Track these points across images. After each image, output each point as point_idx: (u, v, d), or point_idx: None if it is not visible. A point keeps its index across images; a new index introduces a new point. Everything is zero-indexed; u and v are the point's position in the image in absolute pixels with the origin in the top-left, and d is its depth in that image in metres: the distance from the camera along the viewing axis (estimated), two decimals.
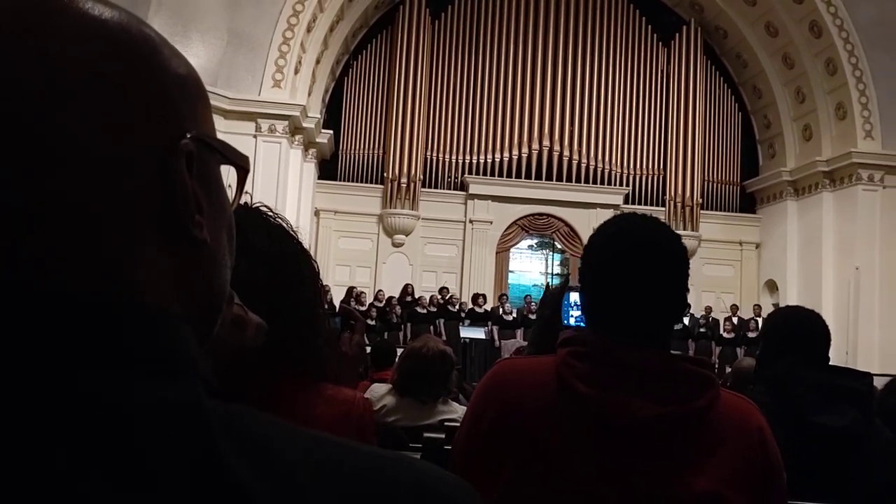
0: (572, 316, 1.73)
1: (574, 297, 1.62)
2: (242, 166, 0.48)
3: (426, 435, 2.80)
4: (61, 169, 0.37)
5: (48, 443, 0.32)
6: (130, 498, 0.32)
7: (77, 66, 0.38)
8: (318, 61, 13.42)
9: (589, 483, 1.07)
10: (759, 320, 13.16)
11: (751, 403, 1.22)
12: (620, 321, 1.17)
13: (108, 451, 0.33)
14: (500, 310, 13.06)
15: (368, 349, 4.12)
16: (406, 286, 13.59)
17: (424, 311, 12.79)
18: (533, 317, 12.38)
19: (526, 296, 13.93)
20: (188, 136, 0.42)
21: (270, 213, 1.14)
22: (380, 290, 13.59)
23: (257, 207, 1.12)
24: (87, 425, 0.33)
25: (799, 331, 2.03)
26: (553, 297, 1.56)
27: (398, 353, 4.04)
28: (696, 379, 1.13)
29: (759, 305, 14.17)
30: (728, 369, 8.64)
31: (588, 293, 1.23)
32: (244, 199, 0.67)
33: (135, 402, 0.35)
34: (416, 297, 13.19)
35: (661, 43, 16.45)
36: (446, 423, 2.94)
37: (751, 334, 12.90)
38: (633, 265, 1.17)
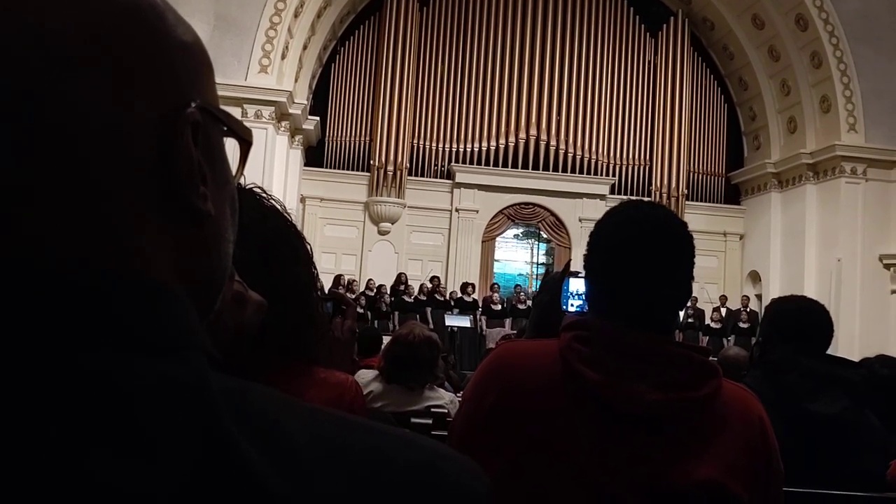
0: (572, 304, 1.71)
1: (574, 284, 1.61)
2: (246, 139, 0.47)
3: (413, 420, 2.81)
4: (59, 139, 0.36)
5: (47, 420, 0.31)
6: (133, 472, 0.32)
7: (78, 32, 0.37)
8: (305, 47, 13.32)
9: (590, 467, 1.07)
10: (748, 311, 13.31)
11: (751, 393, 1.22)
12: (628, 307, 1.16)
13: (109, 428, 0.32)
14: (491, 299, 13.06)
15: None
16: (400, 275, 13.59)
17: (412, 299, 12.78)
18: (522, 307, 12.40)
19: (515, 285, 13.95)
20: (193, 105, 0.41)
21: (264, 195, 1.13)
22: (370, 279, 13.57)
23: (251, 189, 1.11)
24: (86, 403, 0.32)
25: (804, 320, 2.05)
26: (554, 283, 1.55)
27: (384, 341, 4.04)
28: (700, 367, 1.14)
29: (746, 296, 14.30)
30: (711, 358, 8.71)
31: (595, 279, 1.22)
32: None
33: (135, 379, 0.34)
34: (406, 285, 13.18)
35: (648, 34, 16.47)
36: (433, 410, 2.95)
37: (742, 325, 13.00)
38: (644, 251, 1.17)
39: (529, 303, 11.70)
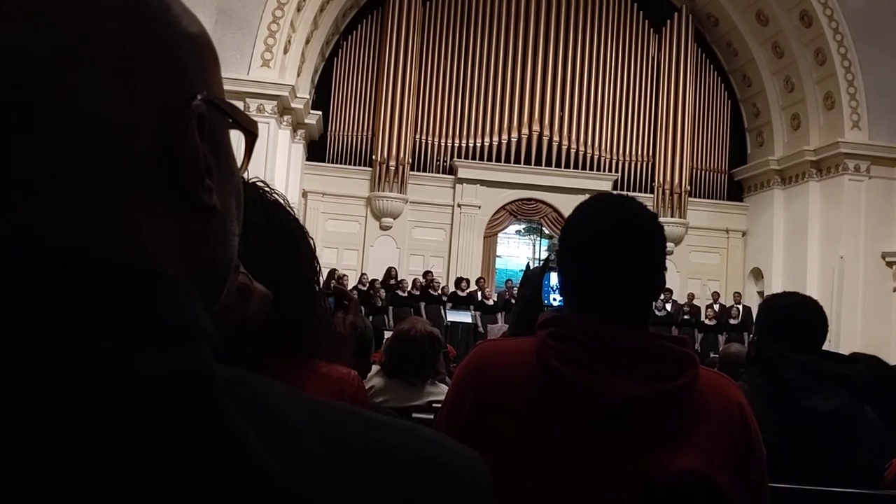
0: (554, 298, 1.71)
1: (555, 278, 1.61)
2: (251, 131, 0.47)
3: (414, 416, 2.82)
4: (61, 130, 0.35)
5: (48, 410, 0.31)
6: (136, 464, 0.32)
7: (81, 23, 0.36)
8: (307, 41, 13.29)
9: (571, 462, 1.07)
10: (740, 307, 13.32)
11: (729, 380, 1.22)
12: (602, 301, 1.17)
13: (112, 420, 0.32)
14: (480, 294, 13.04)
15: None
16: (389, 269, 13.55)
17: (406, 294, 12.77)
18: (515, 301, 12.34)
19: (507, 280, 13.94)
20: (199, 97, 0.41)
21: (267, 189, 1.13)
22: (363, 274, 13.55)
23: (253, 182, 1.11)
24: (89, 394, 0.32)
25: (795, 317, 2.05)
26: (534, 277, 1.55)
27: (385, 336, 4.04)
28: (676, 357, 1.14)
29: (738, 293, 14.31)
30: (711, 355, 8.73)
31: (569, 274, 1.22)
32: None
33: (139, 370, 0.34)
34: (399, 280, 13.15)
35: (652, 29, 16.43)
36: (434, 405, 2.95)
37: (732, 321, 13.04)
38: (616, 244, 1.17)
39: None
